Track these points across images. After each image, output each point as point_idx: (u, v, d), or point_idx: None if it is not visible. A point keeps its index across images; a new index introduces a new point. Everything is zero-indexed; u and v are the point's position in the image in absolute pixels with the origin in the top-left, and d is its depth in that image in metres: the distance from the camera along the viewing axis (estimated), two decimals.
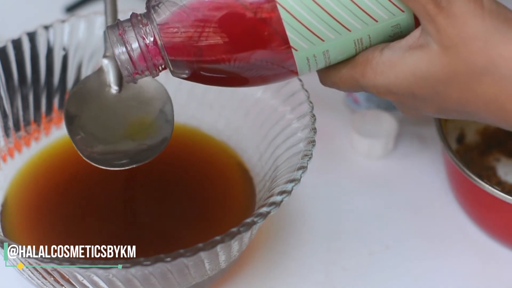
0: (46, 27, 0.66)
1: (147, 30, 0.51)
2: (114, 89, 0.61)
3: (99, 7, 0.87)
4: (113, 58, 0.61)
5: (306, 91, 0.62)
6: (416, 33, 0.49)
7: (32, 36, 0.66)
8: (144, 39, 0.51)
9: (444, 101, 0.50)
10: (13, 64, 0.65)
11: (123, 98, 0.61)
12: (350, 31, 0.49)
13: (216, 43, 0.49)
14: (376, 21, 0.49)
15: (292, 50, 0.49)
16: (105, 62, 0.61)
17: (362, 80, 0.51)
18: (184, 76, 0.52)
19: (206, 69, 0.51)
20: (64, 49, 0.67)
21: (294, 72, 0.51)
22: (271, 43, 0.49)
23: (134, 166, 0.58)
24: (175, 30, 0.50)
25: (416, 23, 0.51)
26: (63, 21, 0.67)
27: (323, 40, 0.49)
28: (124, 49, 0.52)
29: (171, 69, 0.52)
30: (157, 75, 0.53)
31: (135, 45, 0.51)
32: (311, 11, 0.48)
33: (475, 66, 0.47)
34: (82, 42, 0.68)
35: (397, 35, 0.51)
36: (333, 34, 0.49)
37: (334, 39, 0.50)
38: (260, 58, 0.50)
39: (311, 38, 0.49)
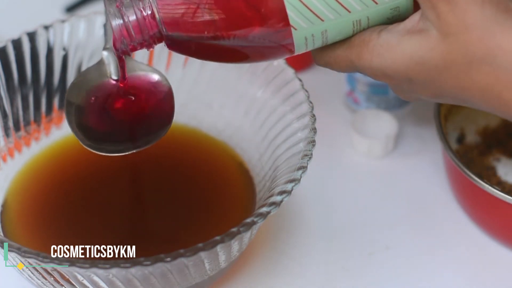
0: (46, 27, 0.66)
1: (145, 3, 0.51)
2: (114, 80, 0.61)
3: (99, 7, 0.87)
4: (113, 50, 0.61)
5: (306, 91, 0.62)
6: (415, 17, 0.49)
7: (32, 36, 0.66)
8: (141, 11, 0.51)
9: (440, 87, 0.50)
10: (13, 64, 0.65)
11: (123, 89, 0.61)
12: (350, 12, 0.50)
13: (214, 19, 0.49)
14: (376, 3, 0.50)
15: (291, 29, 0.50)
16: (105, 54, 0.61)
17: (358, 61, 0.51)
18: (180, 50, 0.52)
19: (202, 44, 0.51)
20: (64, 49, 0.67)
21: (290, 51, 0.51)
22: (270, 20, 0.49)
23: (134, 151, 0.58)
24: (174, 3, 0.50)
25: (415, 7, 0.51)
26: (63, 21, 0.67)
27: (322, 20, 0.50)
28: (121, 20, 0.52)
29: (167, 42, 0.52)
30: (152, 48, 0.53)
31: (132, 17, 0.52)
32: None
33: (473, 55, 0.48)
34: (82, 42, 0.68)
35: (395, 18, 0.51)
36: (333, 14, 0.50)
37: (333, 19, 0.50)
38: (258, 36, 0.50)
39: (311, 17, 0.49)
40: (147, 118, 0.60)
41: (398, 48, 0.49)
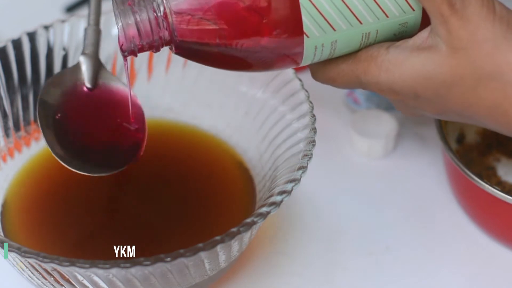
0: (46, 27, 0.66)
1: (158, 4, 0.51)
2: (87, 87, 0.62)
3: None
4: (91, 56, 0.62)
5: (306, 91, 0.62)
6: (424, 34, 0.50)
7: (32, 36, 0.66)
8: (154, 12, 0.51)
9: (447, 103, 0.50)
10: (13, 64, 0.65)
11: (96, 98, 0.62)
12: (361, 23, 0.50)
13: (225, 28, 0.49)
14: (388, 16, 0.50)
15: (304, 36, 0.50)
16: (82, 59, 0.62)
17: (364, 77, 0.51)
18: (185, 55, 0.52)
19: (210, 52, 0.51)
20: (64, 49, 0.67)
21: (297, 60, 0.51)
22: (284, 26, 0.49)
23: (107, 174, 0.59)
24: (189, 8, 0.50)
25: (422, 24, 0.51)
26: (63, 21, 0.67)
27: (334, 30, 0.50)
28: (132, 20, 0.51)
29: (175, 46, 0.52)
30: (159, 50, 0.53)
31: (144, 16, 0.51)
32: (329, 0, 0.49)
33: (482, 70, 0.48)
34: (82, 42, 0.68)
35: (401, 34, 0.51)
36: (346, 24, 0.50)
37: (345, 29, 0.50)
38: (269, 43, 0.50)
39: (325, 26, 0.50)
40: (118, 135, 0.61)
41: (406, 63, 0.50)
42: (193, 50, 0.51)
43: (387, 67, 0.50)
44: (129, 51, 0.52)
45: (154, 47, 0.52)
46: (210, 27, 0.49)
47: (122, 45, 0.52)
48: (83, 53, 0.63)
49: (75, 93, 0.62)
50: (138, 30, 0.51)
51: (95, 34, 0.64)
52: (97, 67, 0.63)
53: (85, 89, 0.62)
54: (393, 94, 0.52)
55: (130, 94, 0.61)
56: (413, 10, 0.51)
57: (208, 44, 0.50)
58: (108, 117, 0.62)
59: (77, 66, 0.63)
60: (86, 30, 0.63)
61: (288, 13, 0.49)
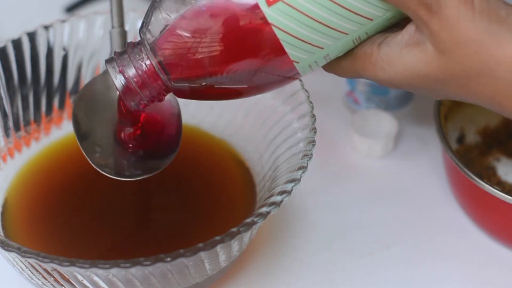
0: (46, 27, 0.66)
1: (144, 59, 0.51)
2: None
3: (99, 7, 0.87)
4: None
5: (306, 91, 0.62)
6: (411, 27, 0.49)
7: (32, 36, 0.66)
8: (142, 69, 0.52)
9: (445, 95, 0.51)
10: (13, 64, 0.65)
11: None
12: (347, 34, 0.50)
13: (215, 64, 0.49)
14: (371, 19, 0.50)
15: (294, 63, 0.50)
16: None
17: (363, 72, 0.52)
18: (190, 97, 0.52)
19: (207, 87, 0.51)
20: (64, 49, 0.67)
21: (296, 78, 0.52)
22: (272, 60, 0.50)
23: (143, 177, 0.58)
24: (171, 54, 0.50)
25: None
26: (63, 21, 0.67)
27: (322, 48, 0.50)
28: (126, 82, 0.52)
29: (174, 91, 0.52)
30: (162, 100, 0.54)
31: (136, 78, 0.52)
32: (305, 26, 0.48)
33: (470, 69, 0.48)
34: (82, 42, 0.68)
35: (393, 23, 0.51)
36: (331, 41, 0.50)
37: (332, 45, 0.50)
38: (260, 75, 0.50)
39: (311, 49, 0.50)
40: (154, 144, 0.60)
41: (398, 61, 0.50)
42: (192, 91, 0.51)
43: (381, 65, 0.50)
44: (133, 108, 0.54)
45: (156, 100, 0.53)
46: (196, 66, 0.50)
47: (125, 105, 0.54)
48: (108, 60, 0.62)
49: (109, 100, 0.61)
50: (133, 89, 0.52)
51: (121, 36, 0.62)
52: None
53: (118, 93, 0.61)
54: (393, 87, 0.52)
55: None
56: None
57: (201, 82, 0.50)
58: (145, 129, 0.61)
59: (106, 72, 0.60)
60: (110, 33, 0.62)
61: (272, 48, 0.49)
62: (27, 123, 0.66)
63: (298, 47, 0.49)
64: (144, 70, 0.52)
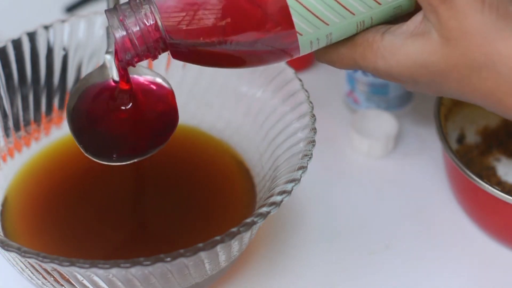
0: (46, 27, 0.66)
1: (147, 13, 0.51)
2: (117, 83, 0.61)
3: (99, 7, 0.87)
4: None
5: (306, 91, 0.62)
6: (418, 17, 0.50)
7: (32, 36, 0.66)
8: (144, 22, 0.51)
9: (444, 89, 0.51)
10: (13, 64, 0.65)
11: (126, 92, 0.61)
12: (354, 14, 0.50)
13: (218, 26, 0.49)
14: (380, 4, 0.50)
15: (297, 34, 0.50)
16: (108, 57, 0.61)
17: (362, 62, 0.52)
18: (184, 58, 0.52)
19: (205, 51, 0.51)
20: (64, 49, 0.67)
21: (294, 54, 0.52)
22: (275, 27, 0.49)
23: (134, 160, 0.57)
24: (176, 10, 0.50)
25: (417, 4, 0.51)
26: (63, 21, 0.67)
27: (327, 24, 0.50)
28: (125, 33, 0.52)
29: (172, 50, 0.52)
30: (157, 57, 0.53)
31: (136, 28, 0.51)
32: None
33: (473, 60, 0.48)
34: (82, 42, 0.68)
35: (397, 15, 0.52)
36: (338, 18, 0.50)
37: (338, 22, 0.50)
38: (263, 41, 0.50)
39: (317, 23, 0.50)
40: (150, 125, 0.60)
41: (401, 50, 0.50)
42: (189, 52, 0.51)
43: (382, 54, 0.50)
44: (125, 61, 0.53)
45: (150, 56, 0.53)
46: (203, 26, 0.50)
47: (118, 56, 0.53)
48: (107, 52, 0.62)
49: (105, 91, 0.61)
50: (131, 41, 0.52)
51: None
52: None
53: (113, 84, 0.61)
54: (392, 79, 0.52)
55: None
56: None
57: (203, 44, 0.50)
58: (140, 107, 0.61)
59: (103, 66, 0.61)
60: (107, 28, 0.62)
61: (278, 16, 0.49)
62: (27, 123, 0.66)
63: (305, 17, 0.49)
64: (145, 23, 0.51)
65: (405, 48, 0.50)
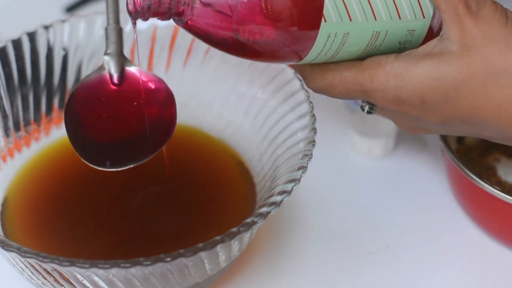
0: (46, 27, 0.66)
1: None
2: (115, 85, 0.61)
3: (99, 7, 0.87)
4: (115, 54, 0.61)
5: (306, 91, 0.62)
6: (433, 42, 0.51)
7: (32, 36, 0.66)
8: None
9: (454, 108, 0.51)
10: (13, 64, 0.65)
11: (124, 95, 0.61)
12: (376, 19, 0.51)
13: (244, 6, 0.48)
14: (400, 18, 0.51)
15: (322, 19, 0.49)
16: (106, 59, 0.61)
17: (370, 84, 0.52)
18: (192, 32, 0.50)
19: (219, 34, 0.50)
20: (64, 49, 0.67)
21: (301, 56, 0.51)
22: (305, 4, 0.49)
23: (130, 166, 0.57)
24: None
25: (427, 36, 0.52)
26: (63, 21, 0.67)
27: (351, 20, 0.50)
28: None
29: (186, 19, 0.50)
30: (168, 18, 0.51)
31: None
32: None
33: (493, 67, 0.49)
34: (82, 42, 0.68)
35: (406, 43, 0.53)
36: (362, 17, 0.50)
37: (360, 22, 0.50)
38: (284, 27, 0.49)
39: (343, 13, 0.50)
40: (147, 129, 0.60)
41: (417, 66, 0.51)
42: (202, 29, 0.50)
43: (396, 72, 0.51)
44: (144, 8, 0.50)
45: (167, 13, 0.50)
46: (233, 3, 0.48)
47: (136, 2, 0.51)
48: (106, 53, 0.61)
49: (103, 93, 0.61)
50: None
51: (116, 32, 0.61)
52: (123, 63, 0.62)
53: (112, 87, 0.61)
54: (397, 103, 0.52)
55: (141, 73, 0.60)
56: (424, 17, 0.52)
57: (221, 27, 0.49)
58: (139, 109, 0.60)
59: (101, 68, 0.61)
60: (106, 29, 0.62)
61: None
62: (27, 123, 0.66)
63: (336, 3, 0.49)
64: None
65: (421, 64, 0.51)
